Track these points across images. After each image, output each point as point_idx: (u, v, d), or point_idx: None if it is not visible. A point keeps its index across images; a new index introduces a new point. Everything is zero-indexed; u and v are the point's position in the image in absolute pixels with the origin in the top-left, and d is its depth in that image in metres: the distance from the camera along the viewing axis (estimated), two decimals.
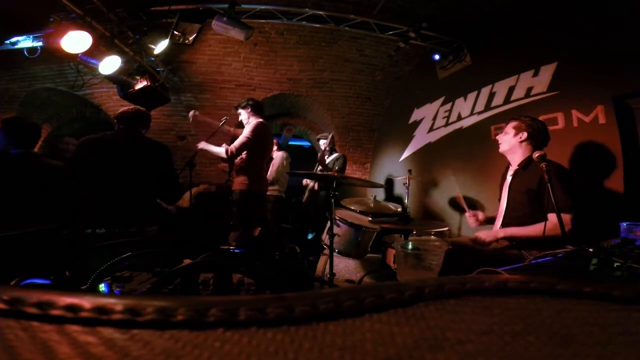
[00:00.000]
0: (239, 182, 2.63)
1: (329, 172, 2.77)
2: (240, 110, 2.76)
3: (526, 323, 0.18)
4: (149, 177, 1.99)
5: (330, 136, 3.73)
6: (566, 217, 1.56)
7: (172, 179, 2.18)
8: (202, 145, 2.64)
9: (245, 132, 2.60)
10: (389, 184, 4.53)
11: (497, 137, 1.97)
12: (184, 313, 0.16)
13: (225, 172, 2.91)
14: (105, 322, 0.15)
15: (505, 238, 1.77)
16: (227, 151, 2.54)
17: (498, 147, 1.95)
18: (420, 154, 4.19)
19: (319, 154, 3.61)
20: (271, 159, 3.76)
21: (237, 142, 2.56)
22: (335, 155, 3.77)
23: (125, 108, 2.06)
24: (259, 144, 2.64)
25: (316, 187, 3.72)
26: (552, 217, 1.54)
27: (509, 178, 1.92)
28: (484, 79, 3.37)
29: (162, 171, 2.08)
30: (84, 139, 1.95)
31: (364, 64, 4.51)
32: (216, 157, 2.80)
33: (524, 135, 1.82)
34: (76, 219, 1.77)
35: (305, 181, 3.85)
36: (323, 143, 3.74)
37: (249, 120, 2.70)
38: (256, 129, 2.59)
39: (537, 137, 1.81)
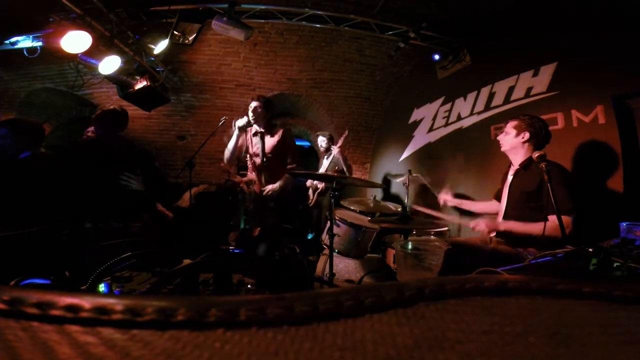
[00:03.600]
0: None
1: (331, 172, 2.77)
2: (254, 103, 2.68)
3: (526, 323, 0.18)
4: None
5: (329, 136, 3.71)
6: (567, 220, 1.55)
7: (158, 181, 2.28)
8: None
9: (292, 145, 2.77)
10: (389, 184, 4.53)
11: (499, 138, 1.97)
12: (184, 313, 0.16)
13: (226, 172, 2.89)
14: (105, 322, 0.15)
15: (504, 232, 1.77)
16: (293, 169, 2.64)
17: (500, 147, 1.96)
18: (420, 154, 4.19)
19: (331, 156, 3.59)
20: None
21: (294, 156, 2.72)
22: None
23: (103, 110, 2.14)
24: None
25: (320, 186, 3.69)
26: (552, 218, 1.54)
27: (510, 177, 1.92)
28: (483, 79, 3.37)
29: (148, 175, 2.14)
30: (82, 141, 2.06)
31: (364, 64, 4.51)
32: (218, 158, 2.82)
33: (526, 135, 1.81)
34: (66, 216, 1.80)
35: (309, 182, 3.83)
36: (322, 140, 3.72)
37: (263, 122, 2.72)
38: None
39: (539, 136, 1.81)
